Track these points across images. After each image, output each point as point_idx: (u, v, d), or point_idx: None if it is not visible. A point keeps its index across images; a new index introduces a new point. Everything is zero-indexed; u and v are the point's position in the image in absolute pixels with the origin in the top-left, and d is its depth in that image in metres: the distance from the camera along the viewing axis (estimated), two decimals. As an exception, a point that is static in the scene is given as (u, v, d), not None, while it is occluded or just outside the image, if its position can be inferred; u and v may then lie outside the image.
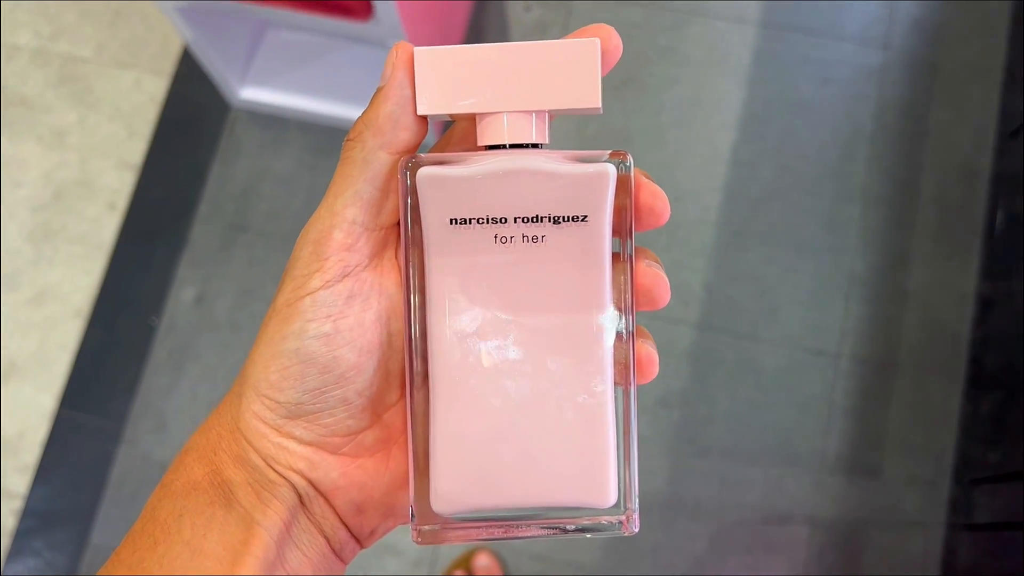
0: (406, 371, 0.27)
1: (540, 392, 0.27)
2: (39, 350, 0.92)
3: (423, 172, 0.25)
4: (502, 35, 1.01)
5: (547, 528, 0.27)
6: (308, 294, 0.26)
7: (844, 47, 1.00)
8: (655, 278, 0.28)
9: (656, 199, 0.28)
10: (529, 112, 0.26)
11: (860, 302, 0.92)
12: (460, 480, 0.27)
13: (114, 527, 0.89)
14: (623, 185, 0.26)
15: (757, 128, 0.97)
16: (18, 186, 0.96)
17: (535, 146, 0.26)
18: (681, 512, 0.87)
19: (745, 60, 0.99)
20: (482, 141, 0.26)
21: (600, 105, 0.26)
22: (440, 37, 0.89)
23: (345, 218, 0.25)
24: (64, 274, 0.93)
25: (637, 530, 0.27)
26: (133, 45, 1.01)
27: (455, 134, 0.28)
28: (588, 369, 0.27)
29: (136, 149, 0.97)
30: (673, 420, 0.89)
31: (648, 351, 0.28)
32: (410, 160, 0.26)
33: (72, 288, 0.93)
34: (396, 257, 0.27)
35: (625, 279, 0.27)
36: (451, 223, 0.26)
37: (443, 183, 0.25)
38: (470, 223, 0.26)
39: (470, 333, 0.26)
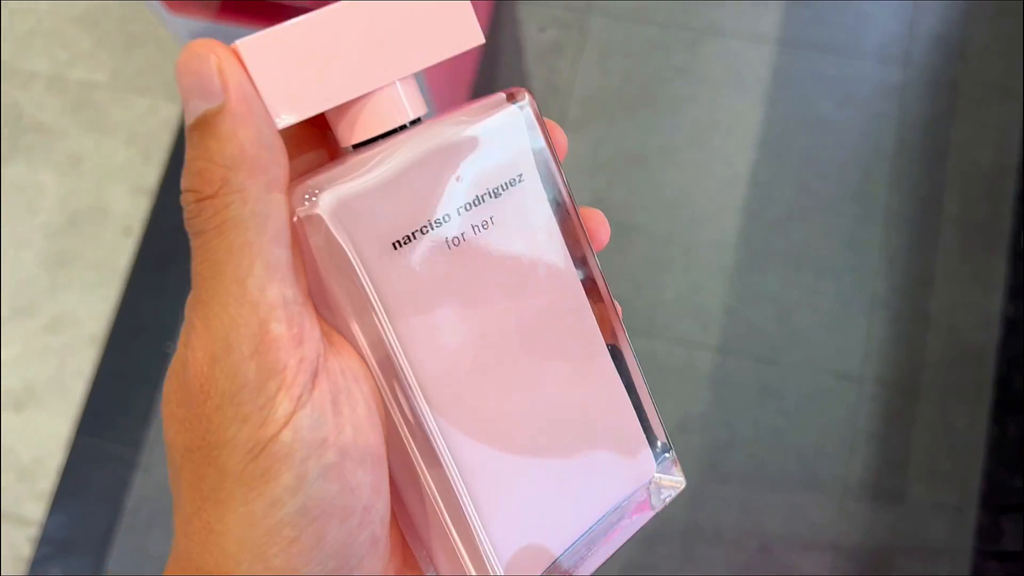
0: (412, 456, 0.21)
1: (551, 396, 0.23)
2: (55, 376, 0.91)
3: (336, 197, 0.19)
4: (517, 56, 1.00)
5: (618, 534, 0.24)
6: (283, 427, 0.18)
7: (863, 65, 0.99)
8: (596, 216, 0.25)
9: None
10: (410, 79, 0.21)
11: (883, 324, 0.90)
12: (523, 536, 0.23)
13: (130, 555, 0.88)
14: (531, 124, 0.23)
15: (776, 148, 0.96)
16: (34, 213, 0.96)
17: (416, 121, 0.22)
18: (701, 539, 0.86)
19: (763, 79, 0.98)
20: (356, 136, 0.21)
21: (482, 36, 0.22)
22: (453, 60, 0.89)
23: (274, 303, 0.18)
24: (80, 300, 0.93)
25: (683, 480, 0.25)
26: (148, 71, 1.01)
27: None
28: (584, 343, 0.24)
29: (151, 174, 0.97)
30: (693, 445, 0.88)
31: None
32: (307, 191, 0.19)
33: (88, 314, 0.93)
34: (332, 324, 0.21)
35: (574, 225, 0.23)
36: (395, 247, 0.20)
37: (364, 203, 0.20)
38: (414, 237, 0.20)
39: (467, 373, 0.22)
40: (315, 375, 0.19)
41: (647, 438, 0.26)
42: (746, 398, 0.88)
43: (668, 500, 0.26)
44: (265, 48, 0.19)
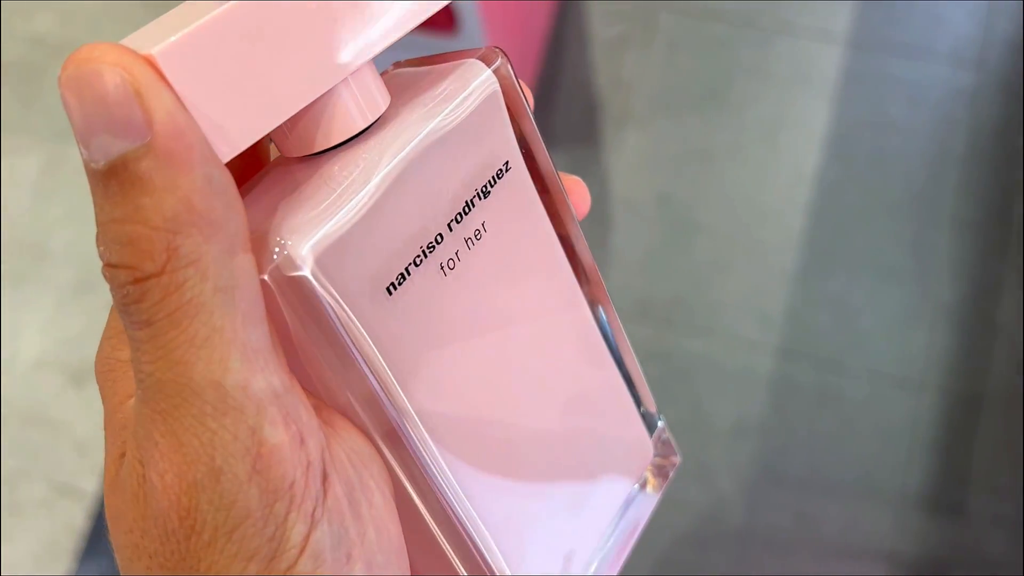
0: (435, 532, 0.18)
1: (556, 408, 0.21)
2: (115, 353, 0.93)
3: (315, 246, 0.15)
4: (581, 50, 1.00)
5: (630, 535, 0.23)
6: (299, 555, 0.15)
7: (935, 68, 0.97)
8: (576, 186, 0.22)
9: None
10: (366, 66, 0.17)
11: (947, 332, 0.89)
12: (551, 570, 0.21)
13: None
14: (506, 93, 0.19)
15: (842, 149, 0.94)
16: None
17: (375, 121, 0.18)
18: (754, 544, 0.85)
19: (832, 79, 0.97)
20: (306, 147, 0.17)
21: None
22: (520, 53, 0.89)
23: (263, 400, 0.14)
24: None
25: (679, 457, 0.24)
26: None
27: None
28: (581, 337, 0.21)
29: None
30: (748, 449, 0.87)
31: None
32: (276, 243, 0.15)
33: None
34: (322, 397, 0.17)
35: (556, 201, 0.20)
36: (388, 291, 0.16)
37: (348, 246, 0.16)
38: (408, 274, 0.17)
39: (477, 415, 0.19)
40: (324, 478, 0.15)
41: (639, 414, 0.24)
42: (804, 402, 0.87)
43: (671, 477, 0.24)
44: (190, 55, 0.14)
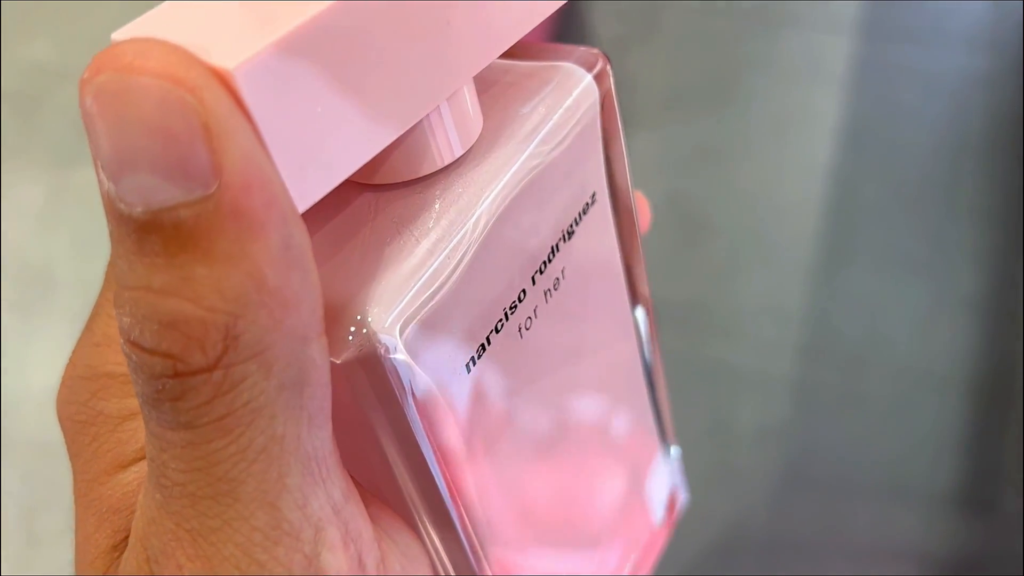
0: None
1: (595, 464, 0.19)
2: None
3: (402, 321, 0.12)
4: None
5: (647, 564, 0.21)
6: None
7: (948, 53, 0.95)
8: (640, 203, 0.19)
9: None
10: (459, 93, 0.13)
11: (972, 326, 0.87)
12: None
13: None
14: (603, 109, 0.16)
15: (856, 141, 0.93)
16: (104, 217, 0.97)
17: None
18: (782, 549, 0.83)
19: (842, 70, 0.95)
20: (370, 178, 0.13)
21: None
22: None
23: (322, 521, 0.12)
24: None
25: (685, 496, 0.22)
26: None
27: None
28: (626, 374, 0.19)
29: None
30: (772, 452, 0.86)
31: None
32: (352, 323, 0.12)
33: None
34: (372, 487, 0.14)
35: (626, 223, 0.17)
36: (468, 370, 0.14)
37: (435, 318, 0.13)
38: (489, 343, 0.14)
39: (527, 489, 0.16)
40: None
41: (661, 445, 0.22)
42: (827, 403, 0.86)
43: (680, 513, 0.23)
44: (277, 72, 0.10)
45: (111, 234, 0.11)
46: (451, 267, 0.13)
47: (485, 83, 0.16)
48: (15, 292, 0.96)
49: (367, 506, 0.13)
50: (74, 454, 0.14)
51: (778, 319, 0.88)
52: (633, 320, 0.19)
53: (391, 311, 0.12)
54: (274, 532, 0.11)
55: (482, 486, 0.15)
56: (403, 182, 0.14)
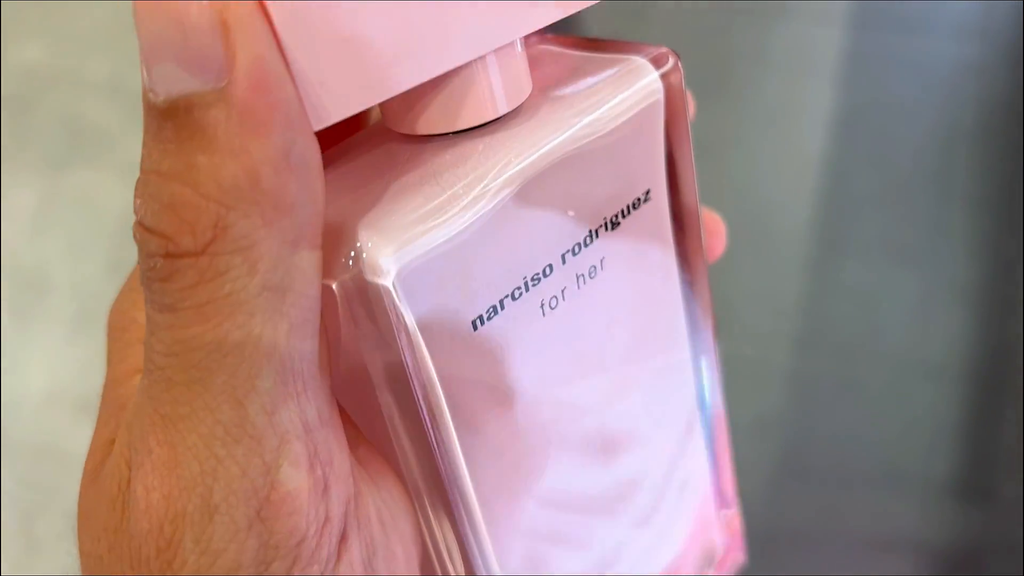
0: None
1: (627, 485, 0.17)
2: (123, 382, 0.93)
3: (405, 256, 0.12)
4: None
5: None
6: None
7: (938, 43, 0.95)
8: (715, 225, 0.18)
9: (714, 230, 0.18)
10: (511, 46, 0.13)
11: (966, 314, 0.87)
12: None
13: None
14: (669, 106, 0.15)
15: (848, 132, 0.93)
16: (100, 220, 0.97)
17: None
18: (779, 540, 0.83)
19: (833, 61, 0.95)
20: (420, 126, 0.13)
21: None
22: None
23: (289, 434, 0.12)
24: (145, 306, 0.94)
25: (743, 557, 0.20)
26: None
27: None
28: (676, 412, 0.18)
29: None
30: (768, 443, 0.85)
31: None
32: (353, 245, 0.12)
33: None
34: (364, 430, 0.14)
35: (690, 242, 0.17)
36: (475, 327, 0.13)
37: (441, 265, 0.13)
38: (502, 308, 0.14)
39: (531, 493, 0.15)
40: (343, 539, 0.12)
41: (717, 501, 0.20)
42: (823, 393, 0.86)
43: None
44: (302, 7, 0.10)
45: (144, 125, 0.11)
46: (469, 218, 0.13)
47: (546, 65, 0.15)
48: (10, 295, 0.96)
49: (357, 448, 0.14)
50: (109, 358, 0.15)
51: (773, 310, 0.88)
52: (690, 354, 0.18)
53: (392, 243, 0.12)
54: (236, 430, 0.11)
55: (473, 457, 0.14)
56: (444, 136, 0.14)
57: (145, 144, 0.11)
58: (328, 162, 0.13)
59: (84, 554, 0.13)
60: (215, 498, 0.11)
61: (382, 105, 0.14)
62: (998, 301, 0.88)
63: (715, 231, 0.19)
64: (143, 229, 0.11)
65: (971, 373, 0.86)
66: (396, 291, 0.12)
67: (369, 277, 0.12)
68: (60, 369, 0.93)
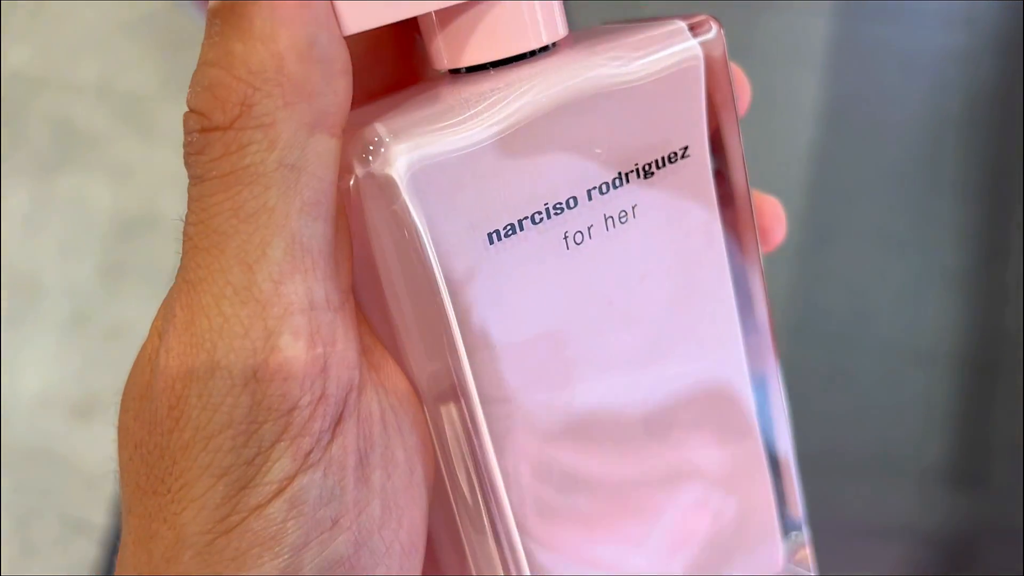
0: (462, 530, 0.15)
1: (667, 471, 0.17)
2: (117, 385, 0.92)
3: (418, 153, 0.13)
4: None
5: None
6: (275, 495, 0.12)
7: (924, 31, 0.95)
8: (773, 209, 0.19)
9: (772, 215, 0.18)
10: None
11: (956, 300, 0.87)
12: None
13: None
14: (711, 76, 0.16)
15: (836, 122, 0.93)
16: (90, 223, 0.97)
17: (544, 49, 0.14)
18: (775, 529, 0.84)
19: (819, 51, 0.95)
20: (459, 59, 0.14)
21: None
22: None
23: (293, 305, 0.12)
24: (137, 309, 0.94)
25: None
26: (195, 75, 1.01)
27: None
28: (723, 400, 0.18)
29: (203, 179, 0.98)
30: (762, 433, 0.86)
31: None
32: (374, 139, 0.13)
33: (145, 323, 0.94)
34: (382, 336, 0.14)
35: (741, 220, 0.17)
36: (491, 241, 0.14)
37: (456, 170, 0.13)
38: (520, 228, 0.14)
39: (562, 431, 0.15)
40: (338, 421, 0.13)
41: (780, 519, 0.19)
42: (815, 382, 0.86)
43: None
44: None
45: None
46: (488, 131, 0.13)
47: (595, 31, 0.16)
48: (3, 299, 0.96)
49: (372, 352, 0.14)
50: None
51: (764, 301, 0.88)
52: (738, 330, 0.18)
53: (407, 140, 0.13)
54: (244, 292, 0.12)
55: (484, 369, 0.14)
56: (482, 71, 0.14)
57: (202, 45, 0.13)
58: (378, 99, 0.14)
59: (119, 429, 0.14)
60: (218, 354, 0.12)
61: (425, 43, 0.15)
62: (988, 287, 0.88)
63: (773, 215, 0.19)
64: (188, 111, 0.13)
65: (962, 359, 0.86)
66: (406, 184, 0.13)
67: (381, 169, 0.13)
68: (54, 372, 0.93)
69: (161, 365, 0.13)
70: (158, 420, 0.13)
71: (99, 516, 0.90)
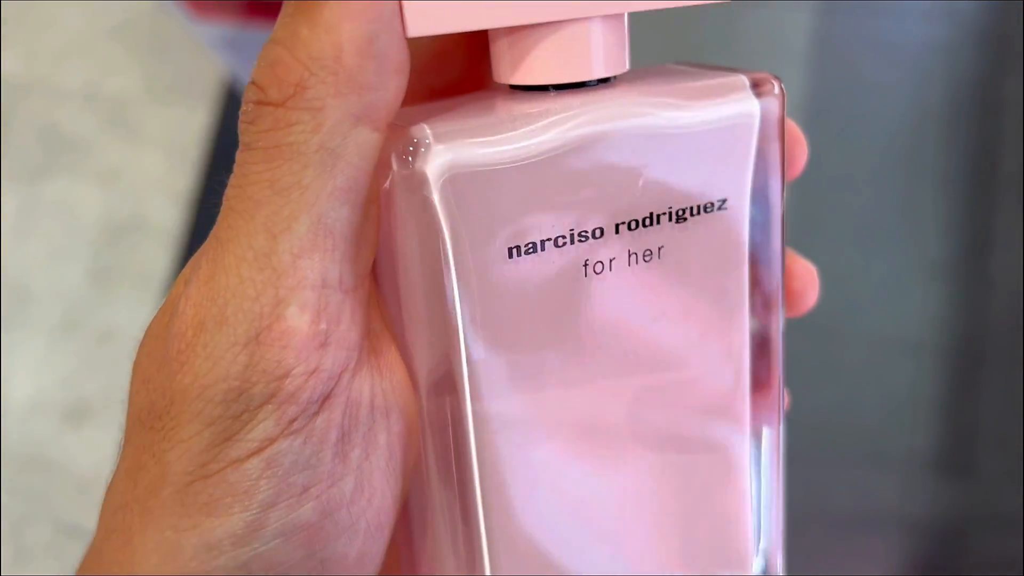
0: (440, 517, 0.15)
1: (647, 501, 0.17)
2: (108, 389, 0.92)
3: (448, 161, 0.13)
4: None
5: None
6: (253, 453, 0.13)
7: (906, 24, 0.95)
8: (807, 276, 0.20)
9: (807, 282, 0.19)
10: (620, 19, 0.15)
11: (941, 291, 0.88)
12: None
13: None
14: (764, 137, 0.16)
15: (819, 116, 0.93)
16: (78, 228, 0.97)
17: (604, 80, 0.15)
18: (765, 521, 0.84)
19: (801, 46, 0.96)
20: (518, 76, 0.15)
21: None
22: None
23: (305, 280, 0.13)
24: (127, 312, 0.94)
25: None
26: (181, 80, 1.01)
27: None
28: (719, 448, 0.18)
29: (190, 184, 0.97)
30: (750, 426, 0.86)
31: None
32: (415, 138, 0.14)
33: (135, 327, 0.93)
34: (389, 325, 0.15)
35: (768, 281, 0.17)
36: (511, 255, 0.14)
37: (490, 180, 0.14)
38: (542, 248, 0.14)
39: (553, 449, 0.15)
40: (328, 396, 0.13)
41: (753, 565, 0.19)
42: (802, 374, 0.86)
43: None
44: None
45: None
46: (527, 149, 0.14)
47: (660, 70, 0.17)
48: (-8, 307, 0.96)
49: (379, 338, 0.15)
50: None
51: (751, 295, 0.89)
52: (747, 390, 0.18)
53: (448, 144, 0.14)
54: (263, 259, 0.13)
55: (498, 398, 0.15)
56: (540, 91, 0.15)
57: (275, 23, 0.14)
58: (441, 98, 0.15)
59: (134, 364, 0.15)
60: (228, 311, 0.13)
61: (492, 56, 0.15)
62: (972, 277, 0.88)
63: (807, 279, 0.20)
64: (250, 83, 0.14)
65: (948, 349, 0.87)
66: (439, 186, 0.14)
67: (419, 167, 0.14)
68: (45, 377, 0.93)
69: (179, 311, 0.14)
70: (167, 361, 0.14)
71: (92, 521, 0.89)
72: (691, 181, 0.15)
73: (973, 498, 0.84)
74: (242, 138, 0.14)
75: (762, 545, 0.20)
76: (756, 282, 0.17)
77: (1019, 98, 0.92)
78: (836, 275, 0.89)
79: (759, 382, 0.18)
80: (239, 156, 0.14)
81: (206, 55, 1.01)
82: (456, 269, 0.14)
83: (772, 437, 0.19)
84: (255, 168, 0.13)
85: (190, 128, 0.99)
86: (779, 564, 0.20)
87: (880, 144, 0.92)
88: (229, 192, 0.14)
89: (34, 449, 0.91)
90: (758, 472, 0.19)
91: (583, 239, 0.15)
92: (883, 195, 0.91)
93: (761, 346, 0.18)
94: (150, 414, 0.14)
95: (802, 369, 0.86)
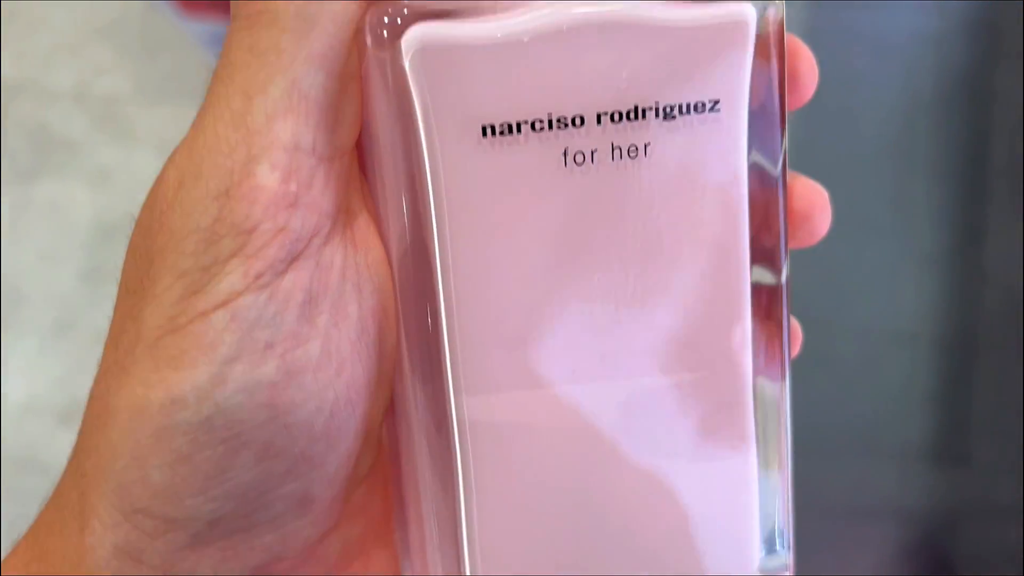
0: (412, 416, 0.15)
1: (644, 423, 0.16)
2: (102, 390, 0.92)
3: (421, 35, 0.13)
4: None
5: None
6: (219, 305, 0.13)
7: (896, 15, 0.96)
8: (814, 196, 0.18)
9: (814, 202, 0.17)
10: None
11: (934, 282, 0.88)
12: (519, 561, 0.16)
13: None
14: (762, 45, 0.16)
15: (809, 108, 0.93)
16: (70, 228, 0.97)
17: None
18: (761, 514, 0.84)
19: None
20: None
21: None
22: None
23: (276, 141, 0.13)
24: (120, 313, 0.94)
25: None
26: (172, 79, 1.01)
27: None
28: (719, 379, 0.17)
29: (182, 182, 0.97)
30: (745, 419, 0.86)
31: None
32: (389, 10, 0.14)
33: (128, 327, 0.93)
34: (371, 205, 0.15)
35: (772, 203, 0.17)
36: (484, 133, 0.14)
37: (464, 57, 0.14)
38: (518, 130, 0.14)
39: (526, 337, 0.15)
40: (296, 258, 0.14)
41: (760, 529, 0.18)
42: (795, 366, 0.86)
43: None
44: None
45: None
46: (510, 31, 0.14)
47: None
48: (-16, 309, 0.95)
49: (355, 220, 0.15)
50: None
51: (744, 287, 0.89)
52: (750, 328, 0.17)
53: (429, 25, 0.13)
54: (239, 119, 0.14)
55: (456, 256, 0.15)
56: None
57: None
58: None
59: (129, 243, 0.16)
60: (204, 167, 0.14)
61: None
62: (965, 268, 0.89)
63: (814, 202, 0.19)
64: None
65: (942, 339, 0.87)
66: (411, 59, 0.14)
67: (392, 40, 0.14)
68: (38, 379, 0.93)
69: (162, 176, 0.15)
70: (150, 225, 0.15)
71: (88, 522, 0.89)
72: (681, 78, 0.15)
73: (969, 488, 0.84)
74: (231, 12, 0.14)
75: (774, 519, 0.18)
76: (754, 202, 0.16)
77: (1010, 89, 0.93)
78: (829, 267, 0.89)
79: (758, 315, 0.17)
80: (227, 30, 0.14)
81: (197, 54, 1.00)
82: (427, 146, 0.14)
83: (775, 392, 0.18)
84: (237, 36, 0.14)
85: (181, 127, 0.99)
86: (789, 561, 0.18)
87: (871, 136, 0.92)
88: (216, 63, 0.14)
89: (29, 451, 0.91)
90: (764, 459, 0.18)
91: (562, 126, 0.14)
92: (875, 187, 0.91)
93: (766, 284, 0.17)
94: (134, 280, 0.15)
95: (796, 361, 0.86)
